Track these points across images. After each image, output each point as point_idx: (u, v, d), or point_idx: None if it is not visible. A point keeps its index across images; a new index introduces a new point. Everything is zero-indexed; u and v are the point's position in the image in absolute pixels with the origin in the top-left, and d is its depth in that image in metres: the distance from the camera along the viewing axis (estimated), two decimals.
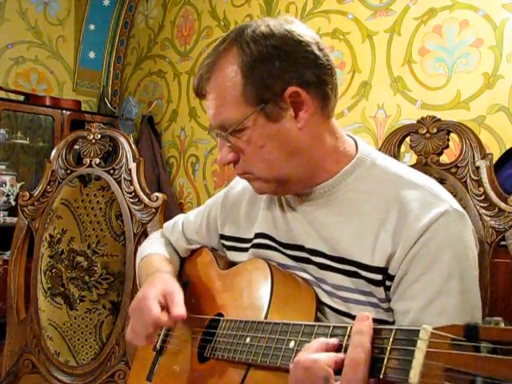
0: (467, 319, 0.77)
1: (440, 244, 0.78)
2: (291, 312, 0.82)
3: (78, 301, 1.53)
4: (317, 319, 0.83)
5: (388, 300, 0.82)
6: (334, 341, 0.65)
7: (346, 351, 0.63)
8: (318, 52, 0.84)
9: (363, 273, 0.82)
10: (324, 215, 0.88)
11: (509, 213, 1.08)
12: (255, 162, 0.86)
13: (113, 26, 3.86)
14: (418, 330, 0.56)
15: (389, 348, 0.59)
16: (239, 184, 1.08)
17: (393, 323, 0.82)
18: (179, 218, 1.22)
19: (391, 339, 0.59)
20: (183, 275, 1.14)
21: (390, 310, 0.82)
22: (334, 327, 0.67)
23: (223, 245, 1.08)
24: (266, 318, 0.81)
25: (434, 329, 0.55)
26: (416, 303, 0.78)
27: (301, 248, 0.90)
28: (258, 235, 0.98)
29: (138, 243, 1.50)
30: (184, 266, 1.18)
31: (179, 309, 0.88)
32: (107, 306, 1.51)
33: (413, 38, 2.49)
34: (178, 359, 0.97)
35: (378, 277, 0.81)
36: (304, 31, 0.85)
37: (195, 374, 0.92)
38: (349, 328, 0.65)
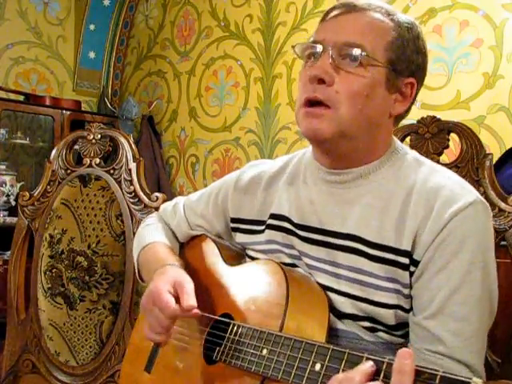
0: (486, 309, 0.80)
1: (466, 232, 0.79)
2: (305, 318, 0.82)
3: (78, 301, 1.53)
4: (329, 322, 0.82)
5: (410, 286, 0.82)
6: (371, 366, 0.63)
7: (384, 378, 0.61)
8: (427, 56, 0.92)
9: (391, 256, 0.82)
10: (353, 197, 0.88)
11: (509, 213, 1.08)
12: (348, 101, 0.83)
13: (113, 26, 3.86)
14: (469, 383, 0.54)
15: None
16: (253, 169, 1.06)
17: (410, 310, 0.82)
18: (179, 201, 1.18)
19: None
20: (185, 265, 1.08)
21: (409, 296, 0.82)
22: (368, 359, 0.64)
23: (235, 228, 1.05)
24: (281, 326, 0.79)
25: (484, 383, 0.54)
26: (442, 292, 0.78)
27: (322, 231, 0.89)
28: (273, 216, 0.97)
29: None
30: (184, 254, 1.13)
31: (190, 300, 0.85)
32: (107, 306, 1.51)
33: None
34: (181, 355, 0.95)
35: (406, 260, 0.81)
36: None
37: (202, 375, 0.90)
38: (385, 363, 0.63)
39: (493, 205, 1.09)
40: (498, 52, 2.23)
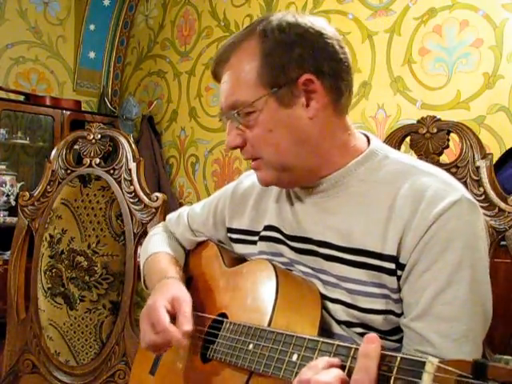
0: (477, 310, 0.77)
1: (452, 233, 0.77)
2: (296, 316, 0.82)
3: (78, 301, 1.52)
4: (323, 322, 0.83)
5: (399, 290, 0.81)
6: (337, 361, 0.64)
7: (348, 372, 0.62)
8: (337, 47, 0.86)
9: (375, 262, 0.81)
10: (334, 205, 0.87)
11: (509, 213, 1.08)
12: (262, 146, 0.86)
13: (113, 26, 3.86)
14: (424, 362, 0.55)
15: (393, 377, 0.58)
16: (249, 178, 1.07)
17: (401, 314, 0.82)
18: (184, 210, 1.21)
19: (396, 367, 0.58)
20: (187, 269, 1.13)
21: (399, 301, 0.81)
22: (339, 346, 0.66)
23: (230, 238, 1.08)
24: (270, 321, 0.81)
25: (441, 362, 0.54)
26: (427, 293, 0.77)
27: (308, 240, 0.90)
28: (266, 227, 0.98)
29: (138, 243, 1.50)
30: (189, 260, 1.17)
31: (185, 326, 0.87)
32: (107, 306, 1.51)
33: (413, 38, 2.49)
34: (181, 356, 0.97)
35: (391, 265, 0.80)
36: (327, 27, 0.87)
37: (197, 373, 0.92)
38: (353, 349, 0.64)
39: (493, 205, 1.09)
40: (498, 52, 2.23)
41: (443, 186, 0.80)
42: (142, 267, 1.17)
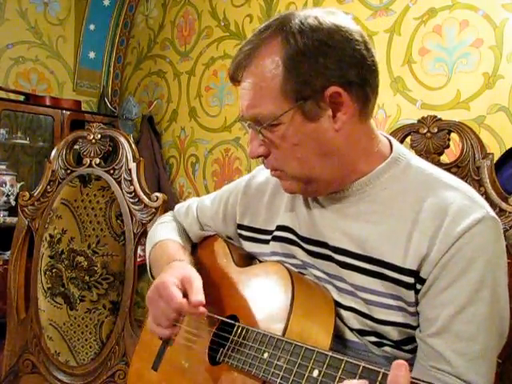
0: (494, 329, 0.77)
1: (475, 251, 0.76)
2: (310, 324, 0.81)
3: (78, 301, 1.52)
4: (335, 328, 0.81)
5: (416, 304, 0.80)
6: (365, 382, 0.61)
7: None
8: (365, 52, 0.81)
9: (393, 274, 0.80)
10: (355, 212, 0.85)
11: (509, 213, 1.07)
12: (287, 160, 0.83)
13: (113, 26, 3.86)
14: None
15: None
16: (262, 173, 1.05)
17: (417, 327, 0.80)
18: (193, 202, 1.18)
19: None
20: (195, 263, 1.09)
21: (416, 314, 0.80)
22: (364, 368, 0.64)
23: (240, 235, 1.05)
24: (285, 329, 0.79)
25: None
26: (447, 310, 0.76)
27: (324, 244, 0.88)
28: (279, 228, 0.96)
29: (138, 243, 1.50)
30: (196, 254, 1.14)
31: (198, 296, 0.85)
32: (107, 306, 1.51)
33: (413, 38, 2.49)
34: (187, 355, 0.95)
35: (411, 279, 0.79)
36: (353, 27, 0.81)
37: (205, 375, 0.90)
38: (381, 373, 0.62)
39: (493, 205, 1.09)
40: (498, 52, 2.23)
41: (468, 202, 0.79)
42: (147, 255, 1.14)
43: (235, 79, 0.86)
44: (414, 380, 0.57)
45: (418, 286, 0.79)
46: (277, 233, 0.96)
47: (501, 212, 1.08)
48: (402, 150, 0.89)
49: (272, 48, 0.80)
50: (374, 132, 0.87)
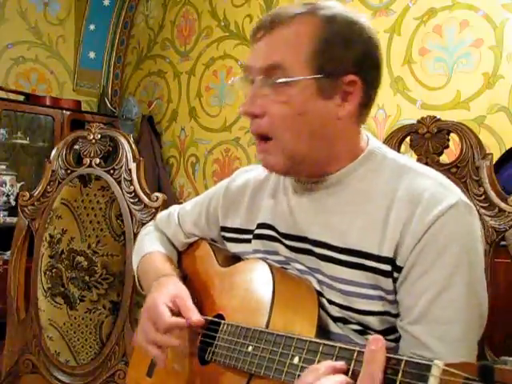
0: (473, 312, 0.77)
1: (449, 236, 0.77)
2: (294, 315, 0.81)
3: (78, 301, 1.53)
4: (319, 319, 0.82)
5: (395, 292, 0.81)
6: (341, 365, 0.64)
7: (352, 375, 0.62)
8: (381, 59, 0.88)
9: (372, 263, 0.81)
10: (333, 204, 0.87)
11: (509, 213, 1.07)
12: (283, 127, 0.83)
13: (113, 26, 3.86)
14: (430, 365, 0.55)
15: (399, 380, 0.57)
16: (241, 176, 1.06)
17: (397, 315, 0.81)
18: (174, 210, 1.19)
19: (401, 370, 0.58)
20: (180, 269, 1.12)
21: (395, 302, 0.81)
22: (341, 348, 0.66)
23: (224, 237, 1.07)
24: (268, 321, 0.80)
25: (446, 365, 0.54)
26: (424, 297, 0.77)
27: (304, 239, 0.89)
28: (260, 225, 0.97)
29: None
30: (181, 260, 1.16)
31: (196, 315, 0.88)
32: (107, 306, 1.51)
33: (413, 37, 2.49)
34: (179, 358, 0.96)
35: (388, 267, 0.80)
36: (375, 32, 0.87)
37: (196, 376, 0.91)
38: (356, 351, 0.64)
39: (493, 205, 1.09)
40: (498, 52, 2.23)
41: (440, 189, 0.80)
42: (135, 268, 1.16)
43: (257, 35, 0.85)
44: (389, 355, 0.59)
45: (395, 275, 0.80)
46: (258, 231, 0.97)
47: (500, 212, 1.08)
48: (378, 144, 0.91)
49: (310, 23, 0.82)
50: (361, 131, 0.90)
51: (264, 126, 0.84)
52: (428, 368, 0.55)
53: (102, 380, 1.48)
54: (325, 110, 0.82)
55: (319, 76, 0.81)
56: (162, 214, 1.23)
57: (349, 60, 0.82)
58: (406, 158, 0.90)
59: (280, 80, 0.81)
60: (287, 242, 0.92)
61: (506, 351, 1.03)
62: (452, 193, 0.80)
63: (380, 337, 0.61)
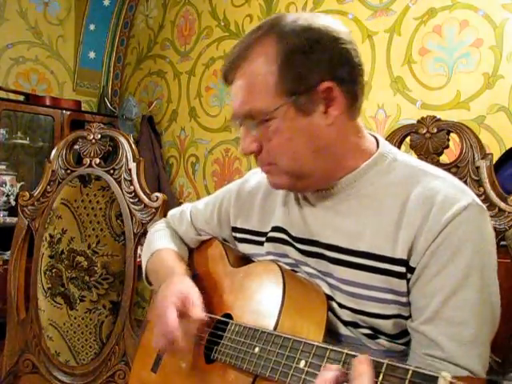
0: (486, 313, 0.78)
1: (462, 237, 0.77)
2: (302, 319, 0.81)
3: (78, 301, 1.53)
4: (329, 323, 0.82)
5: (408, 294, 0.81)
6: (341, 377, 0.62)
7: None
8: (352, 51, 0.84)
9: (385, 265, 0.81)
10: (345, 208, 0.87)
11: (509, 213, 1.08)
12: (280, 154, 0.85)
13: (113, 26, 3.86)
14: (437, 377, 0.54)
15: None
16: (254, 177, 1.07)
17: (409, 317, 0.81)
18: (186, 208, 1.20)
19: (407, 380, 0.57)
20: (192, 267, 1.12)
21: (408, 304, 0.81)
22: (347, 354, 0.66)
23: (235, 237, 1.07)
24: (276, 324, 0.80)
25: (453, 378, 0.54)
26: (437, 298, 0.77)
27: (316, 243, 0.89)
28: (274, 229, 0.97)
29: (138, 243, 1.50)
30: (193, 258, 1.16)
31: (198, 311, 0.89)
32: (107, 306, 1.51)
33: (413, 38, 2.49)
34: (185, 355, 0.96)
35: (402, 269, 0.80)
36: (339, 28, 0.85)
37: (201, 374, 0.91)
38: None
39: (493, 205, 1.09)
40: (498, 52, 2.23)
41: (453, 191, 0.81)
42: (144, 263, 1.16)
43: (228, 79, 0.89)
44: (396, 364, 0.58)
45: (409, 276, 0.80)
46: (271, 234, 0.97)
47: (500, 212, 1.08)
48: (389, 147, 0.91)
49: (265, 46, 0.83)
50: (362, 131, 0.90)
51: (266, 158, 0.88)
52: (434, 379, 0.55)
53: (102, 380, 1.48)
54: (313, 125, 0.83)
55: (293, 98, 0.81)
56: (173, 212, 1.23)
57: (315, 69, 0.81)
58: (417, 160, 0.91)
59: (259, 120, 0.83)
60: (299, 246, 0.92)
61: (508, 351, 1.03)
62: (465, 194, 0.80)
63: (366, 357, 0.60)
